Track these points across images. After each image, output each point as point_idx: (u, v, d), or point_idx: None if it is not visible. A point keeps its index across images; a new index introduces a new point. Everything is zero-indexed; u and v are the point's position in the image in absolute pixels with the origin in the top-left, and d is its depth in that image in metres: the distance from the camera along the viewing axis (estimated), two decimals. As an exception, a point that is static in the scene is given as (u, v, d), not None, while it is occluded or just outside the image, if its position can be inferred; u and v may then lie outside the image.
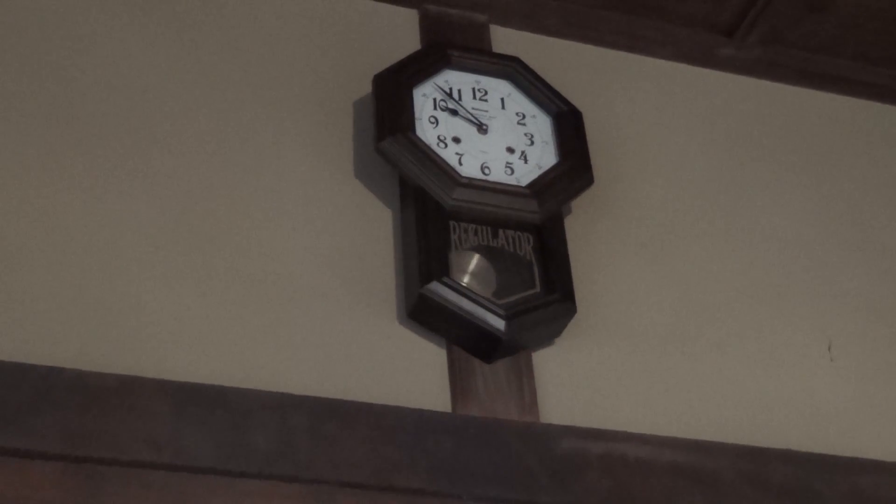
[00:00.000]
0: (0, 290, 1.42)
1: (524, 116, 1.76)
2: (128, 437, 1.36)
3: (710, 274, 1.80)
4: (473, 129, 1.70)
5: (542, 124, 1.75)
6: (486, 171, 1.66)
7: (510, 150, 1.70)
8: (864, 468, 1.66)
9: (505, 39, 1.93)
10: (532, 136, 1.73)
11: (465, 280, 1.58)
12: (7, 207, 1.49)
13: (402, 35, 1.88)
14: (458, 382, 1.55)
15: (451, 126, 1.69)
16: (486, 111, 1.73)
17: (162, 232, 1.55)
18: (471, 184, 1.62)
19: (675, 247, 1.81)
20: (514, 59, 1.81)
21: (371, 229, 1.66)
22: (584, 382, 1.62)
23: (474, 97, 1.74)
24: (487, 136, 1.70)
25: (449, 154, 1.65)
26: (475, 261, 1.61)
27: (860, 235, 1.95)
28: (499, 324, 1.54)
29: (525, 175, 1.68)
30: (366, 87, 1.74)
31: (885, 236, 1.96)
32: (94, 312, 1.45)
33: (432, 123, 1.68)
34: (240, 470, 1.39)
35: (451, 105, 1.71)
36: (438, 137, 1.66)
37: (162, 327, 1.47)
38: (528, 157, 1.70)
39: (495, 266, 1.61)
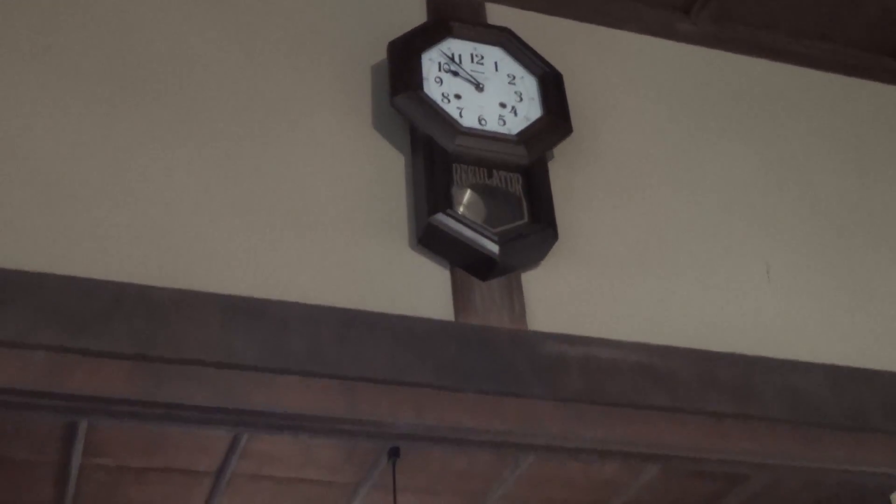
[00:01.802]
0: (80, 220, 1.42)
1: (514, 77, 1.74)
2: (185, 341, 1.36)
3: (668, 210, 1.79)
4: (472, 88, 1.69)
5: (528, 84, 1.74)
6: (483, 122, 1.65)
7: (502, 105, 1.69)
8: (795, 368, 1.66)
9: (498, 14, 1.91)
10: (521, 93, 1.72)
11: (465, 212, 1.57)
12: (88, 155, 1.48)
13: (411, 11, 1.87)
14: (460, 297, 1.55)
15: (453, 85, 1.68)
16: (482, 73, 1.72)
17: (212, 174, 1.54)
18: (470, 133, 1.62)
19: (640, 187, 1.80)
20: (506, 30, 1.80)
21: (386, 171, 1.65)
22: (564, 297, 1.62)
23: (472, 61, 1.73)
24: (483, 93, 1.69)
25: (451, 108, 1.64)
26: (473, 196, 1.60)
27: (795, 181, 1.94)
28: (493, 248, 1.54)
29: (515, 126, 1.67)
30: (381, 54, 1.74)
31: (815, 182, 1.95)
32: (157, 238, 1.44)
33: (437, 83, 1.67)
34: (278, 368, 1.39)
35: (452, 68, 1.70)
36: (443, 94, 1.65)
37: (213, 251, 1.46)
38: (517, 111, 1.69)
39: (490, 201, 1.61)
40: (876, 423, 1.66)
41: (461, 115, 1.64)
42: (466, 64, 1.72)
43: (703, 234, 1.79)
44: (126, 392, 1.33)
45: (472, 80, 1.70)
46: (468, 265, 1.57)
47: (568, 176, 1.75)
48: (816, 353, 1.71)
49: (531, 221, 1.60)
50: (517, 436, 1.51)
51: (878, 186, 2.00)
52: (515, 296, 1.58)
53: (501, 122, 1.67)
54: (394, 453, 3.28)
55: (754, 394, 1.61)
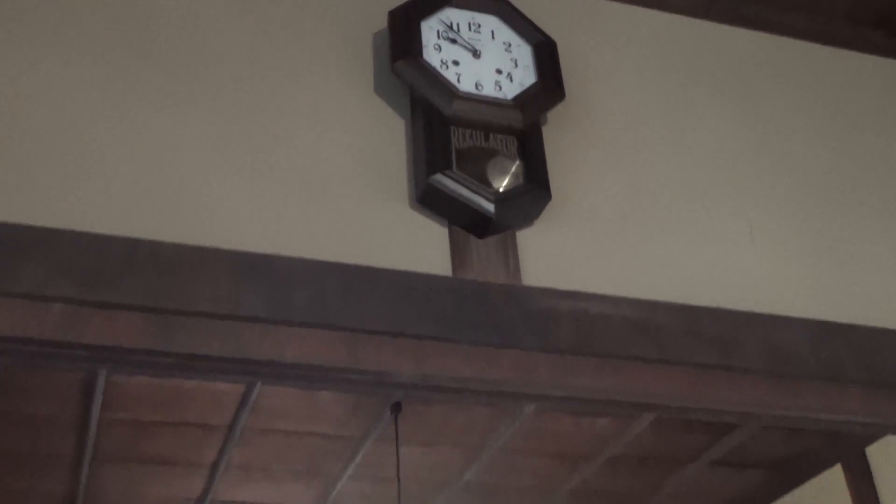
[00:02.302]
0: (94, 179, 1.41)
1: (510, 45, 1.73)
2: (195, 294, 1.36)
3: (656, 173, 1.78)
4: (469, 55, 1.67)
5: (524, 51, 1.73)
6: (480, 87, 1.64)
7: (498, 72, 1.68)
8: (776, 323, 1.66)
9: (494, -14, 1.90)
10: (516, 60, 1.70)
11: (464, 172, 1.56)
12: (102, 117, 1.47)
13: (411, -18, 1.85)
14: (457, 254, 1.55)
15: (451, 52, 1.66)
16: (479, 40, 1.70)
17: (221, 136, 1.53)
18: (467, 97, 1.61)
19: (629, 151, 1.79)
20: (502, 0, 1.78)
21: (388, 134, 1.64)
22: (556, 254, 1.61)
23: (470, 29, 1.71)
24: (480, 60, 1.68)
25: (450, 74, 1.63)
26: (471, 158, 1.59)
27: (777, 147, 1.93)
28: (489, 207, 1.54)
29: (510, 91, 1.65)
30: (382, 22, 1.72)
31: (797, 148, 1.94)
32: (168, 196, 1.44)
33: (436, 50, 1.65)
34: (284, 320, 1.39)
35: (451, 35, 1.69)
36: (441, 61, 1.64)
37: (221, 209, 1.46)
38: (512, 77, 1.68)
39: (487, 162, 1.60)
40: (851, 375, 1.66)
41: (459, 81, 1.63)
42: (464, 32, 1.70)
43: (690, 195, 1.78)
44: (140, 342, 1.33)
45: (470, 48, 1.68)
46: (465, 223, 1.56)
47: (560, 140, 1.74)
48: (796, 308, 1.71)
49: (526, 182, 1.59)
50: (512, 385, 1.51)
51: (857, 152, 1.99)
52: (510, 253, 1.58)
53: (497, 88, 1.65)
54: (396, 408, 3.29)
55: (737, 347, 1.61)
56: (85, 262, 1.32)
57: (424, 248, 1.54)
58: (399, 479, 3.42)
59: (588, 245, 1.65)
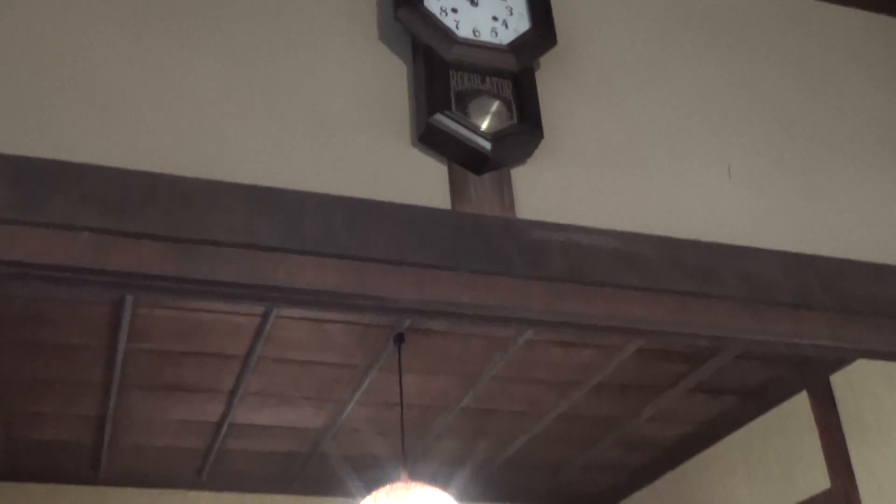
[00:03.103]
0: (119, 118, 1.40)
1: (505, -6, 1.70)
2: (212, 224, 1.35)
3: (642, 115, 1.77)
4: (467, 3, 1.64)
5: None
6: (477, 33, 1.61)
7: (495, 19, 1.65)
8: (750, 254, 1.66)
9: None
10: (511, 8, 1.67)
11: (462, 112, 1.55)
12: (126, 60, 1.46)
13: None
14: (456, 189, 1.54)
15: (450, 0, 1.63)
16: (477, -12, 1.68)
17: (236, 78, 1.51)
18: (465, 42, 1.59)
19: (616, 94, 1.77)
20: (498, -50, 1.75)
21: (391, 78, 1.62)
22: (548, 190, 1.60)
23: (467, -22, 1.69)
24: (477, 7, 1.65)
25: (449, 21, 1.60)
26: (469, 99, 1.57)
27: (755, 92, 1.90)
28: (486, 145, 1.53)
29: (506, 37, 1.63)
30: (386, -27, 1.69)
31: (774, 93, 1.91)
32: (188, 134, 1.43)
33: (436, -3, 1.63)
34: (296, 249, 1.38)
35: (450, -16, 1.66)
36: (441, 8, 1.61)
37: (237, 146, 1.44)
38: (507, 24, 1.65)
39: (483, 103, 1.58)
40: (818, 301, 1.67)
41: (457, 27, 1.60)
42: (462, -19, 1.68)
43: (673, 136, 1.76)
44: (161, 269, 1.33)
45: (467, -4, 1.66)
46: (463, 160, 1.55)
47: (552, 83, 1.71)
48: (769, 240, 1.70)
49: (519, 122, 1.58)
50: (507, 311, 1.51)
51: (829, 97, 1.97)
52: (505, 188, 1.57)
53: (493, 34, 1.63)
54: (399, 339, 3.29)
55: (714, 275, 1.61)
56: (110, 195, 1.32)
57: (425, 183, 1.53)
58: (402, 405, 3.44)
59: (577, 181, 1.63)
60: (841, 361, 3.57)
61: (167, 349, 3.28)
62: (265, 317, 3.11)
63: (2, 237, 1.26)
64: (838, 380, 3.61)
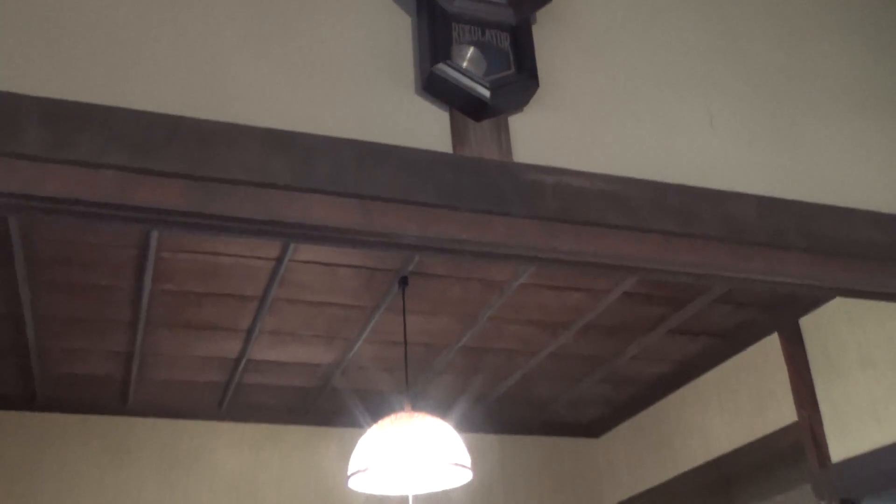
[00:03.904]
0: (143, 62, 1.38)
1: (504, -49, 1.66)
2: (230, 164, 1.34)
3: (630, 67, 1.74)
4: (468, -40, 1.62)
5: (516, -43, 1.66)
6: (477, -12, 1.59)
7: (495, -25, 1.62)
8: (730, 197, 1.65)
9: None
10: (510, -35, 1.64)
11: (463, 63, 1.52)
12: (151, 9, 1.43)
13: None
14: (457, 134, 1.52)
15: (453, -44, 1.60)
16: (477, -53, 1.64)
17: (252, 26, 1.48)
18: (466, -4, 1.56)
19: (607, 46, 1.74)
20: (497, -87, 1.71)
21: (397, 29, 1.59)
22: (542, 136, 1.58)
23: (469, -63, 1.65)
24: (478, -36, 1.62)
25: (451, -24, 1.57)
26: (469, 50, 1.55)
27: (737, 45, 1.87)
28: (485, 93, 1.50)
29: (505, -8, 1.60)
30: (392, -69, 1.65)
31: (753, 46, 1.88)
32: (207, 79, 1.40)
33: (439, -46, 1.59)
34: (307, 188, 1.37)
35: (452, -58, 1.62)
36: (443, -36, 1.58)
37: (253, 90, 1.42)
38: (506, -20, 1.62)
39: (483, 54, 1.55)
40: (792, 242, 1.65)
41: (459, -18, 1.57)
42: (464, -61, 1.64)
43: (659, 87, 1.74)
44: (182, 205, 1.31)
45: (469, -47, 1.62)
46: (464, 107, 1.53)
47: (548, 36, 1.68)
48: (747, 185, 1.69)
49: (517, 72, 1.55)
50: (503, 248, 1.50)
51: (805, 53, 1.94)
52: (503, 133, 1.55)
53: (493, -11, 1.60)
54: (403, 282, 3.29)
55: (696, 217, 1.60)
56: (134, 135, 1.30)
57: (428, 128, 1.51)
58: (405, 343, 3.45)
59: (570, 128, 1.61)
60: (809, 305, 3.57)
61: (189, 290, 3.28)
62: (279, 260, 3.10)
63: (34, 174, 1.25)
64: (807, 322, 3.61)
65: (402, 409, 3.08)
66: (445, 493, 4.51)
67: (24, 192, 1.24)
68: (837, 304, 3.47)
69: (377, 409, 4.24)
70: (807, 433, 3.52)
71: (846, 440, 3.36)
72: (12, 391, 4.09)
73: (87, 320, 3.44)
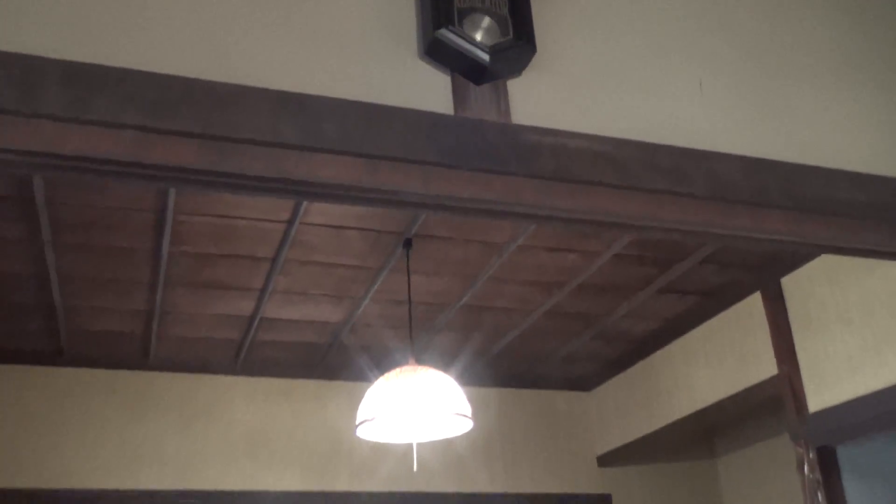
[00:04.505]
0: (158, 26, 1.36)
1: (502, -76, 1.63)
2: (242, 124, 1.33)
3: (623, 33, 1.72)
4: (469, -71, 1.58)
5: (514, -71, 1.63)
6: (478, -43, 1.56)
7: (494, -56, 1.59)
8: (716, 157, 1.64)
9: None
10: (508, -65, 1.61)
11: (463, 28, 1.50)
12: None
13: None
14: (458, 96, 1.51)
15: (453, -73, 1.57)
16: (477, -83, 1.61)
17: (260, -4, 1.46)
18: (467, -35, 1.53)
19: (601, 13, 1.71)
20: None
21: (399, -3, 1.57)
22: (539, 99, 1.57)
23: None
24: (477, -66, 1.59)
25: (453, -56, 1.54)
26: (470, 16, 1.52)
27: (724, 13, 1.84)
28: (485, 58, 1.48)
29: (504, -39, 1.57)
30: None
31: (741, 17, 1.86)
32: (219, 42, 1.38)
33: (441, -76, 1.56)
34: (316, 147, 1.36)
35: (453, -88, 1.59)
36: (446, -67, 1.55)
37: (263, 54, 1.41)
38: (505, -51, 1.59)
39: (483, 20, 1.53)
40: (775, 201, 1.65)
41: (460, -49, 1.55)
42: None
43: (651, 55, 1.72)
44: (196, 164, 1.30)
45: (469, -77, 1.59)
46: (465, 71, 1.51)
47: (545, 4, 1.66)
48: (733, 146, 1.67)
49: (515, 37, 1.53)
50: (501, 205, 1.49)
51: (788, 22, 1.91)
52: (502, 97, 1.53)
53: (492, -42, 1.57)
54: (407, 244, 3.28)
55: (684, 176, 1.58)
56: (150, 96, 1.28)
57: (430, 91, 1.49)
58: (409, 302, 3.45)
59: (566, 91, 1.60)
60: (791, 266, 3.56)
61: (205, 252, 3.27)
62: (290, 223, 3.09)
63: (55, 133, 1.23)
64: (788, 282, 3.61)
65: (406, 363, 3.09)
66: (447, 441, 4.55)
67: (46, 150, 1.22)
68: (817, 265, 3.46)
69: (383, 363, 4.26)
70: (786, 386, 3.53)
71: (823, 392, 3.37)
72: (40, 347, 4.11)
73: (109, 280, 3.44)
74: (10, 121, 1.20)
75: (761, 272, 3.68)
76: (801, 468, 3.42)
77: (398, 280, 3.53)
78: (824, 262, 3.43)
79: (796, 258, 3.51)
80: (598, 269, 3.55)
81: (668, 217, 1.57)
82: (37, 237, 3.07)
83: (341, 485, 4.44)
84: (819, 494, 3.32)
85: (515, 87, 1.55)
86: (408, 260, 3.35)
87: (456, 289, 3.67)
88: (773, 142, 1.72)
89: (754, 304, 3.77)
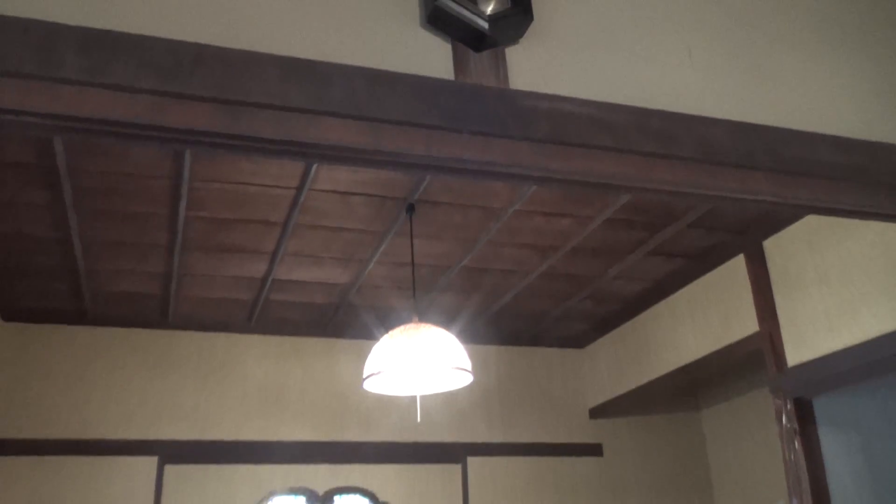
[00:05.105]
0: (166, -3, 1.33)
1: None
2: (253, 88, 1.31)
3: (617, 4, 1.68)
4: None
5: None
6: (477, -72, 1.52)
7: (493, -84, 1.55)
8: (705, 122, 1.62)
9: None
10: None
11: (463, -3, 1.48)
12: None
13: None
14: (459, 63, 1.48)
15: None
16: None
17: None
18: (467, -63, 1.50)
19: (596, -14, 1.69)
20: None
21: (402, -32, 1.53)
22: (536, 65, 1.54)
23: None
24: None
25: (452, -83, 1.51)
26: (469, -15, 1.50)
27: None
28: (484, 26, 1.46)
29: (502, -68, 1.54)
30: None
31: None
32: (230, 10, 1.35)
33: None
34: (323, 111, 1.34)
35: None
36: None
37: (272, 21, 1.38)
38: (504, -79, 1.55)
39: (481, -11, 1.50)
40: (760, 163, 1.63)
41: (460, -77, 1.51)
42: None
43: (643, 23, 1.69)
44: (210, 126, 1.28)
45: None
46: (465, 39, 1.49)
47: (541, -25, 1.63)
48: (722, 111, 1.65)
49: (513, 7, 1.50)
50: (501, 167, 1.47)
51: (777, -7, 1.89)
52: (500, 63, 1.51)
53: (492, -71, 1.54)
54: (410, 209, 3.26)
55: (674, 139, 1.57)
56: (164, 62, 1.26)
57: (432, 57, 1.47)
58: (413, 264, 3.44)
59: (562, 58, 1.57)
60: (772, 229, 3.55)
61: (220, 217, 3.26)
62: (300, 189, 3.07)
63: (74, 97, 1.21)
64: (770, 245, 3.60)
65: (410, 321, 3.09)
66: (449, 394, 4.57)
67: (65, 112, 1.21)
68: (797, 229, 3.45)
69: (388, 321, 4.27)
70: (766, 342, 3.53)
71: (801, 347, 3.38)
72: (65, 308, 4.11)
73: (129, 244, 3.43)
74: (31, 85, 1.19)
75: (745, 235, 3.66)
76: (779, 418, 3.44)
77: (402, 244, 3.52)
78: (804, 225, 3.41)
79: (778, 222, 3.50)
80: (590, 233, 3.54)
81: (659, 178, 1.56)
82: (60, 203, 3.06)
83: (350, 435, 4.47)
84: (795, 442, 3.34)
85: (513, 54, 1.53)
86: (411, 224, 3.34)
87: (456, 252, 3.66)
88: (759, 107, 1.70)
89: (738, 265, 3.76)
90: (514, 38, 1.53)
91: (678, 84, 1.64)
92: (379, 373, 2.96)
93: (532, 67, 1.53)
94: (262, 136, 1.31)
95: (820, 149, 1.69)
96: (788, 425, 3.38)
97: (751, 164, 1.61)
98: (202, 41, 1.30)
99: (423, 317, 4.27)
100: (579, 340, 5.01)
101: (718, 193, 1.63)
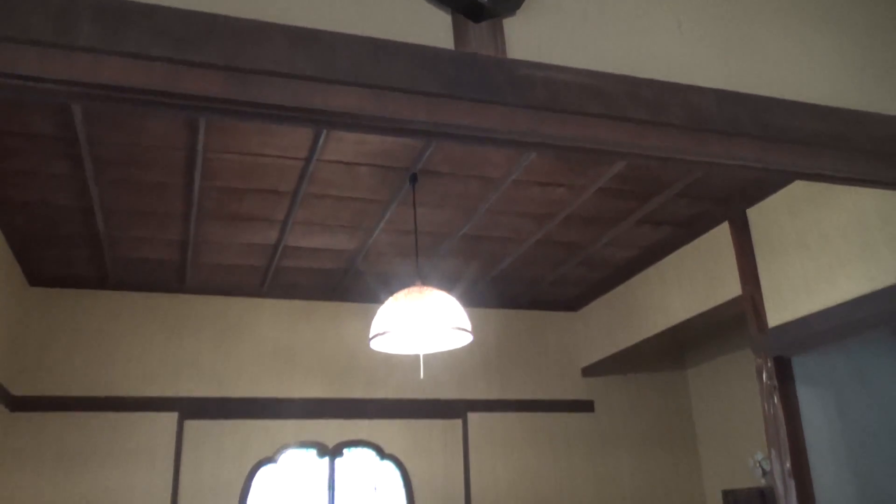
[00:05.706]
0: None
1: None
2: (261, 57, 1.29)
3: (610, -22, 1.66)
4: None
5: None
6: None
7: None
8: (693, 90, 1.60)
9: None
10: None
11: (462, -31, 1.45)
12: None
13: None
14: (459, 33, 1.46)
15: None
16: None
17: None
18: (466, -89, 1.47)
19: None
20: None
21: (404, -58, 1.50)
22: (533, 36, 1.52)
23: None
24: None
25: None
26: (468, -42, 1.47)
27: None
28: (483, -4, 1.44)
29: None
30: None
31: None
32: (237, -18, 1.33)
33: None
34: (329, 79, 1.33)
35: None
36: None
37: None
38: None
39: (481, -38, 1.48)
40: (746, 130, 1.61)
41: None
42: None
43: (635, -4, 1.67)
44: (221, 93, 1.27)
45: None
46: (464, 10, 1.46)
47: (538, -51, 1.61)
48: (709, 80, 1.64)
49: (510, -22, 1.48)
50: (499, 133, 1.46)
51: (763, -33, 1.85)
52: (498, 33, 1.49)
53: None
54: (413, 179, 3.25)
55: (664, 107, 1.55)
56: (177, 31, 1.25)
57: (433, 28, 1.45)
58: (416, 232, 3.43)
59: (557, 30, 1.55)
60: (755, 198, 3.53)
61: (233, 186, 3.25)
62: (308, 160, 3.06)
63: (90, 64, 1.20)
64: (753, 213, 3.58)
65: (413, 285, 3.09)
66: (450, 353, 4.59)
67: (82, 80, 1.19)
68: (779, 197, 3.43)
69: (393, 286, 4.27)
70: (748, 304, 3.53)
71: (781, 309, 3.38)
72: (87, 273, 4.12)
73: (147, 212, 3.42)
74: (48, 52, 1.17)
75: (729, 204, 3.65)
76: (759, 376, 3.45)
77: (405, 212, 3.51)
78: (786, 194, 3.40)
79: (761, 191, 3.48)
80: (583, 202, 3.53)
81: (649, 144, 1.55)
82: (81, 173, 3.04)
83: (357, 392, 4.50)
84: (775, 398, 3.35)
85: (511, 24, 1.51)
86: (414, 194, 3.32)
87: (457, 220, 3.65)
88: (744, 76, 1.68)
89: (722, 232, 3.75)
90: (512, 9, 1.51)
91: (668, 54, 1.63)
92: (385, 333, 2.96)
93: (528, 38, 1.51)
94: (271, 102, 1.30)
95: (801, 116, 1.67)
96: (768, 382, 3.40)
97: (736, 131, 1.60)
98: (214, 11, 1.28)
99: (426, 281, 4.27)
100: (573, 304, 5.01)
101: (705, 159, 1.62)
